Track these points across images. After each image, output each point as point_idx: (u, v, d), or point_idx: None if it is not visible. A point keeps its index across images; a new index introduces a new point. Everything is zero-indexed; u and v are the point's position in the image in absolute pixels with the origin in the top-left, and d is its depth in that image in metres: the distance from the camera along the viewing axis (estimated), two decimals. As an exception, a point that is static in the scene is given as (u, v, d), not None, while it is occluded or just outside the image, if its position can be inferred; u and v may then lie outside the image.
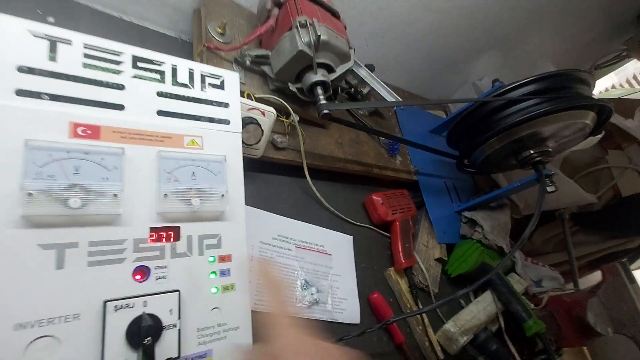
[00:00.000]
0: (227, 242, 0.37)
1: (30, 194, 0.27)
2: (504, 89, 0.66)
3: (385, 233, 0.72)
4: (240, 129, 0.42)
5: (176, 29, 0.67)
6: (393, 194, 0.74)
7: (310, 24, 0.51)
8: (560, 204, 1.07)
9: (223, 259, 0.37)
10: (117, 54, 0.35)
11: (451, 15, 0.80)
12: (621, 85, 1.83)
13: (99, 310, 0.29)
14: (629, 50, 1.01)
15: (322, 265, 0.59)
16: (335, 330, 0.55)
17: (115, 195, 0.31)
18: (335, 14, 0.59)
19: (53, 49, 0.31)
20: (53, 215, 0.28)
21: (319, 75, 0.54)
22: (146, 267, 0.32)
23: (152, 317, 0.30)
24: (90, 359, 0.28)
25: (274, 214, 0.58)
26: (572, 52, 1.07)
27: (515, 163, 0.74)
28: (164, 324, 0.31)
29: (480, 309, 0.68)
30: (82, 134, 0.31)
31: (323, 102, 0.54)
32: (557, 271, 0.94)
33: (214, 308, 0.35)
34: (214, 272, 0.36)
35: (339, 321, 0.56)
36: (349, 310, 0.58)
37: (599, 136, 1.04)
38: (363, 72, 0.75)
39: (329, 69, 0.56)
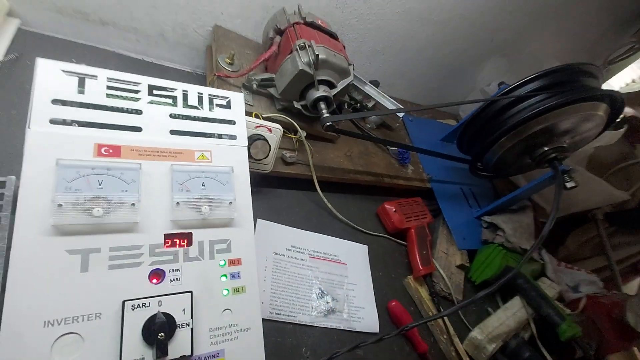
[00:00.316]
0: (236, 246, 0.39)
1: (60, 205, 0.31)
2: (510, 88, 0.66)
3: (401, 241, 0.72)
4: (246, 143, 0.45)
5: (192, 65, 0.74)
6: (406, 202, 0.74)
7: (309, 46, 0.55)
8: (591, 204, 1.01)
9: (233, 262, 0.39)
10: (135, 84, 0.40)
11: (450, 25, 0.83)
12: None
13: (118, 309, 0.31)
14: (638, 42, 0.98)
15: (337, 274, 0.60)
16: (354, 340, 0.54)
17: (133, 204, 0.34)
18: (333, 36, 0.63)
19: (82, 83, 0.37)
20: (79, 224, 0.32)
21: (321, 91, 0.58)
22: (161, 270, 0.34)
23: (167, 315, 0.32)
24: (110, 355, 0.30)
25: (286, 226, 0.60)
26: (580, 50, 1.05)
27: (531, 162, 0.72)
28: (177, 323, 0.33)
29: (509, 315, 0.65)
30: (105, 153, 0.35)
31: (326, 115, 0.57)
32: (594, 275, 0.88)
33: (225, 309, 0.36)
34: (225, 275, 0.38)
35: (357, 330, 0.55)
36: (367, 319, 0.57)
37: (622, 130, 1.00)
38: (367, 88, 0.79)
39: (330, 85, 0.60)
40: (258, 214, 0.59)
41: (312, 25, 0.60)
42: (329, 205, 0.65)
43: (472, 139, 0.74)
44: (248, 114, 0.58)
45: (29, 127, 0.33)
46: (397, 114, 0.78)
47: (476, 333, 0.60)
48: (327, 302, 0.55)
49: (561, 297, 0.79)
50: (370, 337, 0.56)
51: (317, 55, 0.54)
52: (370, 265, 0.65)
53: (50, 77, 0.35)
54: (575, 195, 0.99)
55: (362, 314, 0.57)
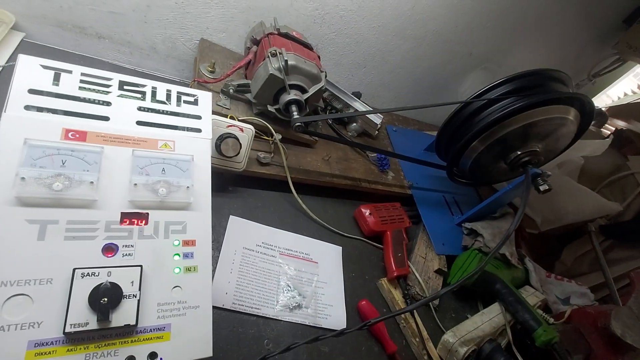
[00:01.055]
0: (192, 229, 0.41)
1: (23, 179, 0.34)
2: (482, 91, 0.68)
3: (378, 245, 0.72)
4: (210, 136, 0.48)
5: (182, 75, 0.79)
6: (383, 206, 0.75)
7: (279, 53, 0.60)
8: (583, 216, 1.00)
9: (187, 243, 0.41)
10: (107, 79, 0.44)
11: (426, 41, 0.87)
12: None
13: (69, 277, 0.33)
14: (620, 54, 1.00)
15: (307, 272, 0.60)
16: (318, 334, 0.54)
17: (92, 182, 0.37)
18: (307, 46, 0.68)
19: (57, 77, 0.41)
20: (40, 197, 0.35)
21: (292, 95, 0.61)
22: (115, 244, 0.37)
23: (114, 285, 0.34)
24: (56, 318, 0.32)
25: (259, 224, 0.62)
26: (561, 64, 1.08)
27: (506, 167, 0.73)
28: (124, 293, 0.34)
29: (485, 320, 0.63)
30: (72, 137, 0.39)
31: (296, 116, 0.60)
32: (585, 286, 0.85)
33: (175, 286, 0.38)
34: (178, 254, 0.39)
35: (323, 326, 0.55)
36: (334, 316, 0.57)
37: (608, 140, 1.00)
38: (348, 99, 0.82)
39: (302, 90, 0.63)
40: (231, 211, 0.61)
41: (286, 35, 0.65)
42: (304, 206, 0.67)
43: (447, 144, 0.76)
44: (224, 116, 0.62)
45: (4, 112, 0.37)
46: (374, 120, 0.80)
47: (448, 336, 0.59)
48: (293, 297, 0.56)
49: (547, 308, 0.76)
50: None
51: (287, 60, 0.58)
52: (343, 266, 0.65)
53: (29, 71, 0.40)
54: (565, 207, 0.98)
55: (330, 312, 0.57)
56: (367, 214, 0.71)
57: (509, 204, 0.87)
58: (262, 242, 0.60)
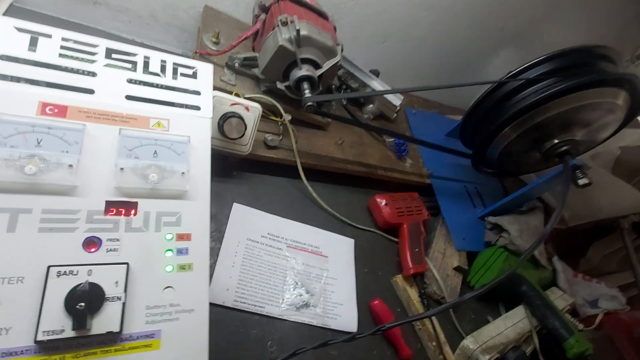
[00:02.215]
0: (187, 221, 0.36)
1: (-12, 160, 0.29)
2: (518, 70, 0.60)
3: (393, 238, 0.67)
4: (210, 115, 0.42)
5: (185, 47, 0.73)
6: (400, 196, 0.69)
7: (290, 21, 0.53)
8: (617, 211, 0.92)
9: (182, 237, 0.36)
10: (92, 46, 0.38)
11: (454, 11, 0.78)
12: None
13: (43, 275, 0.29)
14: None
15: (316, 267, 0.56)
16: (327, 337, 0.50)
17: (70, 166, 0.32)
18: (322, 15, 0.60)
19: (34, 42, 0.35)
20: (10, 182, 0.30)
21: (304, 71, 0.55)
22: (97, 238, 0.32)
23: (94, 285, 0.30)
24: (27, 323, 0.27)
25: (265, 212, 0.57)
26: (602, 42, 0.97)
27: (540, 157, 0.66)
28: (106, 295, 0.30)
29: (508, 325, 0.58)
30: (50, 112, 0.33)
31: (308, 95, 0.54)
32: (616, 289, 0.78)
33: (167, 287, 0.33)
34: (171, 250, 0.35)
35: (332, 327, 0.51)
36: (345, 317, 0.52)
37: (653, 129, 0.90)
38: (365, 77, 0.75)
39: (315, 65, 0.56)
40: (235, 198, 0.56)
41: (299, 2, 0.58)
42: (314, 194, 0.61)
43: (475, 129, 0.69)
44: (228, 93, 0.56)
45: (-30, 81, 0.31)
46: (393, 102, 0.73)
47: (468, 342, 0.54)
48: (301, 295, 0.51)
49: (575, 312, 0.71)
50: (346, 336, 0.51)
51: (299, 30, 0.51)
52: (355, 261, 0.60)
53: (2, 33, 0.34)
54: (598, 201, 0.90)
55: (340, 311, 0.53)
56: (382, 204, 0.66)
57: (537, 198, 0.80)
58: (268, 233, 0.55)
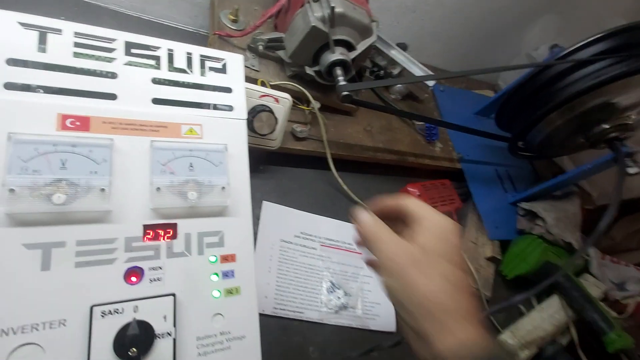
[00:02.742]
0: (230, 240, 0.33)
1: (12, 190, 0.25)
2: (568, 51, 0.54)
3: (425, 229, 0.64)
4: (245, 116, 0.38)
5: (196, 24, 0.66)
6: (432, 184, 0.66)
7: (323, -3, 0.46)
8: (646, 191, 0.89)
9: (226, 258, 0.33)
10: (109, 41, 0.33)
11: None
12: None
13: (86, 315, 0.26)
14: None
15: (351, 265, 0.53)
16: (367, 339, 0.49)
17: (102, 190, 0.28)
18: (354, -14, 0.53)
19: (43, 39, 0.30)
20: (38, 213, 0.26)
21: (337, 54, 0.49)
22: (139, 268, 0.29)
23: (143, 324, 0.27)
24: (76, 370, 0.25)
25: (296, 210, 0.54)
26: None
27: (584, 142, 0.61)
28: (156, 332, 0.28)
29: (545, 317, 0.57)
30: (71, 126, 0.29)
31: (343, 83, 0.49)
32: (645, 272, 0.77)
33: (216, 314, 0.31)
34: (216, 274, 0.32)
35: (372, 328, 0.50)
36: (383, 317, 0.51)
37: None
38: (393, 52, 0.68)
39: (349, 47, 0.50)
40: (264, 195, 0.53)
41: (330, -28, 0.50)
42: (345, 187, 0.58)
43: (515, 113, 0.63)
44: (253, 81, 0.51)
45: (-24, 93, 0.27)
46: (427, 83, 0.67)
47: (507, 337, 0.54)
48: (339, 298, 0.49)
49: (605, 297, 0.70)
50: (387, 337, 0.50)
51: (333, 8, 0.45)
52: (389, 255, 0.58)
53: (5, 31, 0.29)
54: (631, 181, 0.87)
55: (378, 311, 0.51)
56: (416, 195, 0.62)
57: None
58: (301, 232, 0.52)
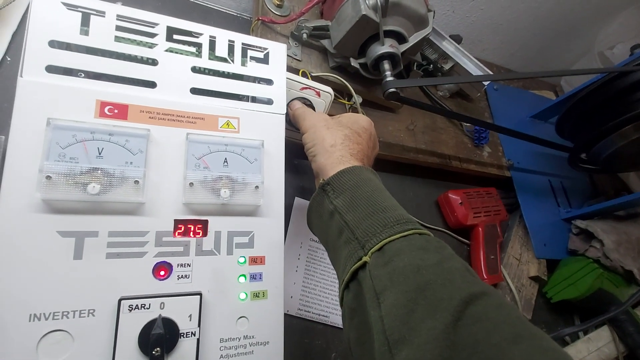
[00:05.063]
0: (260, 241, 0.32)
1: (49, 177, 0.25)
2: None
3: (464, 240, 0.60)
4: (284, 110, 0.36)
5: (239, 7, 0.64)
6: (477, 192, 0.61)
7: (377, -17, 0.42)
8: None
9: (255, 260, 0.32)
10: (151, 25, 0.31)
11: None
12: None
13: (114, 307, 0.26)
14: None
15: (382, 271, 0.51)
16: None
17: (136, 182, 0.28)
18: (411, -30, 0.48)
19: (86, 22, 0.29)
20: (73, 201, 0.26)
21: (387, 47, 0.45)
22: (168, 263, 0.28)
23: (168, 322, 0.27)
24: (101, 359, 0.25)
25: (328, 209, 0.51)
26: None
27: (662, 159, 0.53)
28: (181, 331, 0.27)
29: (592, 350, 0.52)
30: (109, 114, 0.29)
31: (390, 78, 0.45)
32: None
33: (240, 317, 0.30)
34: (244, 276, 0.31)
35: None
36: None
37: None
38: (446, 44, 0.63)
39: (400, 38, 0.46)
40: (296, 191, 0.51)
41: (386, -46, 0.46)
42: (381, 188, 0.55)
43: (582, 121, 0.56)
44: (294, 71, 0.48)
45: (20, 76, 0.27)
46: (482, 82, 0.61)
47: (546, 366, 0.49)
48: (366, 304, 0.47)
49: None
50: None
51: (389, -5, 0.41)
52: (422, 264, 0.55)
53: (49, 12, 0.28)
54: None
55: (406, 322, 0.49)
56: (457, 202, 0.58)
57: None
58: (332, 233, 0.50)
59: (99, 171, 0.27)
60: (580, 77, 0.71)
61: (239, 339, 0.30)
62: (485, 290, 0.20)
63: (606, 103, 0.52)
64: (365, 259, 0.24)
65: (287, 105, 0.40)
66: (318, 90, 0.44)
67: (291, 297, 0.44)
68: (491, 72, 0.58)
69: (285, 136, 0.47)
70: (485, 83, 0.62)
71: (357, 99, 0.52)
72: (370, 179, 0.30)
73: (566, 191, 0.72)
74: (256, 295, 0.31)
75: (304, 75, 0.49)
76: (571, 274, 0.58)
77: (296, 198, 0.50)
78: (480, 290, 0.20)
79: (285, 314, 0.43)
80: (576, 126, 0.58)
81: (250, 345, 0.30)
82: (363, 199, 0.28)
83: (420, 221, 0.58)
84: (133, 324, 0.26)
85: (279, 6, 0.51)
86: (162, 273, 0.28)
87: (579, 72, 0.47)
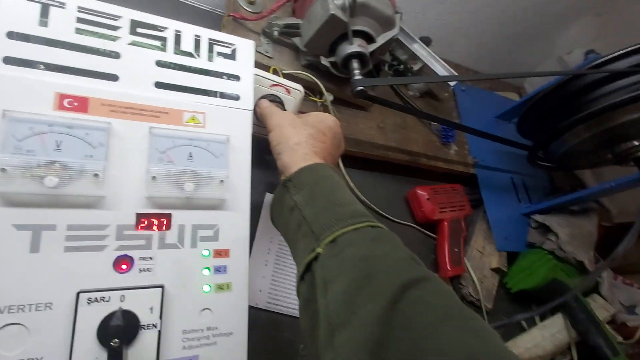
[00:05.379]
0: (225, 234, 0.33)
1: (4, 170, 0.25)
2: (603, 60, 0.50)
3: (430, 234, 0.62)
4: (252, 106, 0.36)
5: (212, 2, 0.63)
6: (443, 188, 0.63)
7: (345, -17, 0.43)
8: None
9: (219, 253, 0.32)
10: (114, 18, 0.31)
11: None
12: None
13: (72, 300, 0.26)
14: None
15: (351, 265, 0.52)
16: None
17: (96, 175, 0.27)
18: (379, -27, 0.49)
19: (45, 13, 0.29)
20: (29, 194, 0.26)
21: (355, 46, 0.46)
22: (129, 257, 0.29)
23: (128, 314, 0.27)
24: (58, 354, 0.25)
25: (299, 204, 0.52)
26: None
27: (611, 157, 0.58)
28: (141, 323, 0.27)
29: (546, 336, 0.56)
30: (69, 106, 0.28)
31: (358, 77, 0.46)
32: (659, 298, 0.74)
33: (204, 309, 0.31)
34: (208, 268, 0.31)
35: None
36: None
37: None
38: (415, 46, 0.65)
39: (368, 38, 0.48)
40: (267, 187, 0.51)
41: (355, -44, 0.47)
42: (351, 183, 0.56)
43: (539, 121, 0.60)
44: (265, 68, 0.49)
45: (-26, 66, 0.26)
46: (449, 82, 0.64)
47: (504, 351, 0.52)
48: (335, 297, 0.48)
49: (613, 319, 0.67)
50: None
51: (356, -4, 0.42)
52: (390, 257, 0.57)
53: (7, 3, 0.28)
54: (653, 201, 0.82)
55: (373, 313, 0.50)
56: (424, 198, 0.60)
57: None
58: (302, 227, 0.51)
59: (57, 164, 0.27)
60: (542, 80, 0.75)
61: (202, 330, 0.30)
62: (426, 276, 0.22)
63: (561, 104, 0.56)
64: (318, 250, 0.25)
65: (256, 103, 0.41)
66: (288, 88, 0.45)
67: (260, 290, 0.45)
68: (456, 73, 0.61)
69: (256, 133, 0.47)
70: (452, 83, 0.64)
71: (328, 97, 0.53)
72: (331, 176, 0.31)
73: (527, 188, 0.76)
74: (220, 287, 0.32)
75: (275, 72, 0.49)
76: (529, 265, 0.61)
77: (267, 194, 0.51)
78: (422, 275, 0.22)
79: (254, 307, 0.44)
80: (534, 126, 0.61)
81: (214, 337, 0.31)
82: (321, 194, 0.29)
83: (389, 216, 0.60)
84: (92, 317, 0.26)
85: (251, 3, 0.51)
86: (123, 267, 0.28)
87: (532, 74, 0.50)
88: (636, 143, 0.54)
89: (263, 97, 0.43)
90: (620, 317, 0.71)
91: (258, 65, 0.49)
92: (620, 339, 0.60)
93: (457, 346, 0.17)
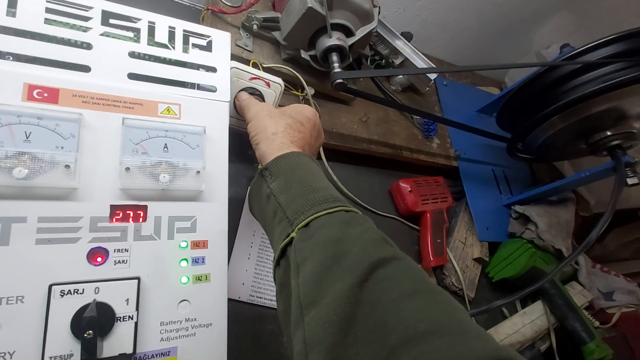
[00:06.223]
0: (203, 226, 0.32)
1: (-31, 161, 0.24)
2: (577, 52, 0.52)
3: (414, 225, 0.63)
4: (228, 98, 0.36)
5: (192, -2, 0.63)
6: (425, 181, 0.64)
7: (322, -23, 0.43)
8: (645, 202, 0.87)
9: (197, 245, 0.32)
10: (85, 9, 0.31)
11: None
12: None
13: (44, 293, 0.26)
14: None
15: (334, 257, 0.53)
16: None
17: (67, 166, 0.27)
18: (358, -33, 0.50)
19: (13, 3, 0.28)
20: (-2, 186, 0.25)
21: (334, 39, 0.46)
22: (104, 249, 0.28)
23: (103, 306, 0.27)
24: (32, 348, 0.25)
25: (282, 198, 0.52)
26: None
27: (585, 147, 0.59)
28: (117, 315, 0.27)
29: (526, 322, 0.57)
30: (38, 97, 0.28)
31: (337, 70, 0.47)
32: (634, 283, 0.77)
33: (182, 300, 0.30)
34: (186, 260, 0.31)
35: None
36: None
37: None
38: (397, 41, 0.66)
39: (347, 32, 0.48)
40: (250, 181, 0.51)
41: (332, -50, 0.47)
42: (334, 177, 0.57)
43: (517, 113, 0.61)
44: (245, 61, 0.49)
45: (-63, 56, 0.25)
46: (429, 75, 0.65)
47: (485, 338, 0.53)
48: (318, 289, 0.49)
49: (591, 306, 0.69)
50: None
51: (332, -11, 0.42)
52: (374, 249, 0.57)
53: (-30, -9, 0.27)
54: (629, 191, 0.85)
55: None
56: (407, 190, 0.61)
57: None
58: (285, 221, 0.51)
59: (26, 155, 0.26)
60: (521, 73, 0.77)
61: (181, 322, 0.30)
62: (396, 256, 0.22)
63: (537, 96, 0.57)
64: (292, 235, 0.25)
65: (235, 96, 0.41)
66: (268, 81, 0.45)
67: (243, 283, 0.45)
68: (435, 66, 0.61)
69: (236, 126, 0.47)
70: (432, 77, 0.65)
71: (309, 91, 0.53)
72: (307, 163, 0.31)
73: (508, 179, 0.77)
74: (198, 278, 0.31)
75: (255, 66, 0.49)
76: (509, 255, 0.63)
77: (250, 188, 0.51)
78: (391, 255, 0.22)
79: (237, 300, 0.44)
80: (512, 118, 0.63)
81: (193, 328, 0.30)
82: (297, 181, 0.29)
83: (373, 209, 0.60)
84: (65, 310, 0.26)
85: (230, -3, 0.51)
86: (98, 259, 0.28)
87: (508, 66, 0.51)
88: (609, 133, 0.56)
89: (242, 90, 0.43)
90: (598, 304, 0.73)
91: (238, 58, 0.49)
92: (597, 323, 0.62)
93: (421, 319, 0.18)
